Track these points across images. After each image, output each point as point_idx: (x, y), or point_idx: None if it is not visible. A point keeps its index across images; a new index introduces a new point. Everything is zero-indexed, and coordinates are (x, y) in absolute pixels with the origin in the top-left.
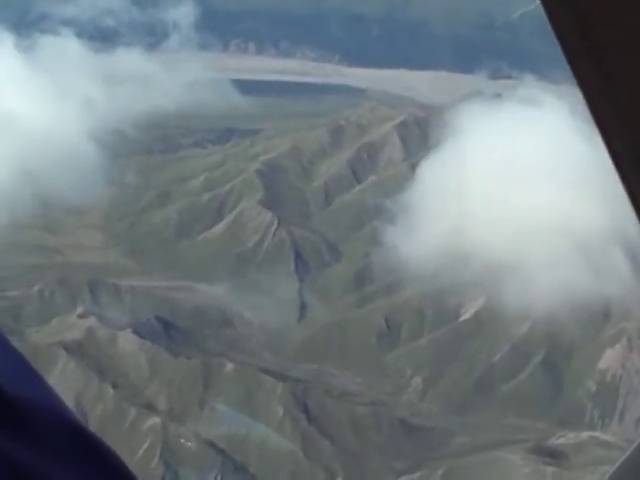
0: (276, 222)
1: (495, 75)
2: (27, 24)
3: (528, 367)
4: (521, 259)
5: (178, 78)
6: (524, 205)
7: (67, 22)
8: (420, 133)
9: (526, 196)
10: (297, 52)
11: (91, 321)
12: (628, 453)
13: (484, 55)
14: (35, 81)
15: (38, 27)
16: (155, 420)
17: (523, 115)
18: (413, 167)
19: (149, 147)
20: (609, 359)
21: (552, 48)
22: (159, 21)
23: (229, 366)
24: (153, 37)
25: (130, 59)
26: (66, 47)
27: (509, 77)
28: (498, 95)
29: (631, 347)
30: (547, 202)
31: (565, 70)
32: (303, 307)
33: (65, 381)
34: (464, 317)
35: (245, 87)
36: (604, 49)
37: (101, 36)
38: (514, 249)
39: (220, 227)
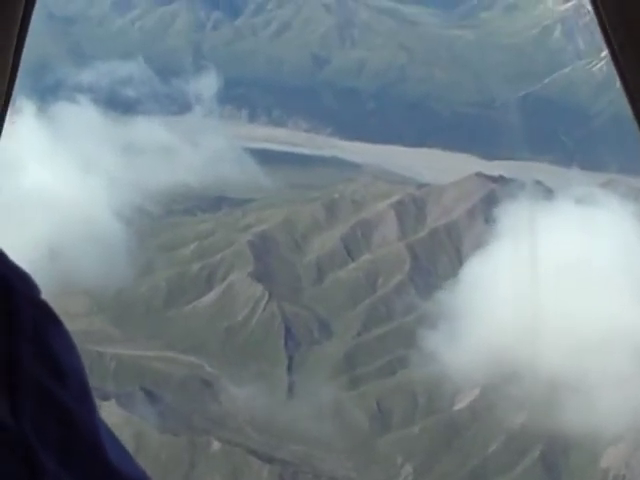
0: (267, 296)
1: (493, 156)
2: (44, 91)
3: (524, 461)
4: (581, 375)
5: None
6: (583, 315)
7: (83, 89)
8: (417, 213)
9: (585, 305)
10: (289, 121)
11: None
12: None
13: (482, 135)
14: (57, 152)
15: (55, 94)
16: None
17: (578, 213)
18: (409, 247)
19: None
20: (612, 457)
21: (557, 129)
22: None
23: (215, 445)
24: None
25: (149, 129)
26: (84, 116)
27: (509, 158)
28: (550, 191)
29: (637, 445)
30: (609, 313)
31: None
32: (292, 385)
33: None
34: (458, 406)
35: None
36: None
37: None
38: (572, 363)
39: (209, 298)
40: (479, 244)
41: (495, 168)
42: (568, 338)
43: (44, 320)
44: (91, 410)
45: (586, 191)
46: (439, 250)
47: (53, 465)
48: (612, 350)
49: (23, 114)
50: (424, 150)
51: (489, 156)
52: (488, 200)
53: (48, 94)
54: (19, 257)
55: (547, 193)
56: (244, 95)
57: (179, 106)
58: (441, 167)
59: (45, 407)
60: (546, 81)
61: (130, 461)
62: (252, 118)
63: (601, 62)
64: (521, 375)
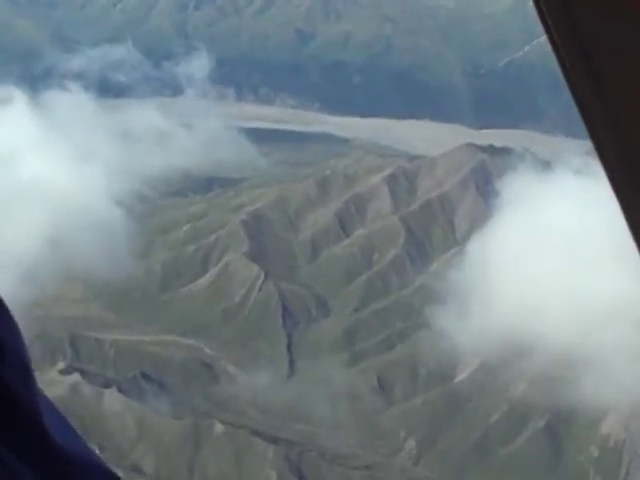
0: (263, 275)
1: (480, 125)
2: (33, 79)
3: (527, 430)
4: (592, 348)
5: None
6: (586, 288)
7: (74, 76)
8: (409, 186)
9: (588, 278)
10: (276, 99)
11: (75, 377)
12: None
13: (468, 104)
14: (51, 141)
15: (45, 82)
16: None
17: (575, 184)
18: (403, 221)
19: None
20: (611, 423)
21: (540, 96)
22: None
23: (219, 427)
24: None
25: (142, 114)
26: (76, 103)
27: (495, 127)
28: (547, 163)
29: (637, 410)
30: (613, 286)
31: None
32: (292, 364)
33: None
34: (459, 378)
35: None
36: (605, 74)
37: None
38: (580, 336)
39: (205, 280)
40: (474, 216)
41: (483, 137)
42: (574, 312)
43: None
44: (32, 390)
45: (582, 161)
46: (433, 222)
47: None
48: (616, 323)
49: (15, 104)
50: (413, 122)
51: (476, 125)
52: (479, 170)
53: (38, 82)
54: (20, 248)
55: (544, 164)
56: (230, 74)
57: (171, 89)
58: (430, 138)
59: None
60: (526, 49)
61: (77, 440)
62: (239, 97)
63: None
64: (523, 348)
